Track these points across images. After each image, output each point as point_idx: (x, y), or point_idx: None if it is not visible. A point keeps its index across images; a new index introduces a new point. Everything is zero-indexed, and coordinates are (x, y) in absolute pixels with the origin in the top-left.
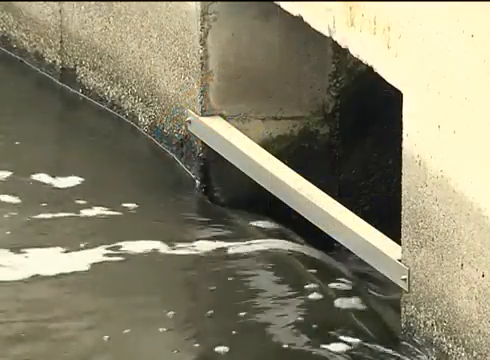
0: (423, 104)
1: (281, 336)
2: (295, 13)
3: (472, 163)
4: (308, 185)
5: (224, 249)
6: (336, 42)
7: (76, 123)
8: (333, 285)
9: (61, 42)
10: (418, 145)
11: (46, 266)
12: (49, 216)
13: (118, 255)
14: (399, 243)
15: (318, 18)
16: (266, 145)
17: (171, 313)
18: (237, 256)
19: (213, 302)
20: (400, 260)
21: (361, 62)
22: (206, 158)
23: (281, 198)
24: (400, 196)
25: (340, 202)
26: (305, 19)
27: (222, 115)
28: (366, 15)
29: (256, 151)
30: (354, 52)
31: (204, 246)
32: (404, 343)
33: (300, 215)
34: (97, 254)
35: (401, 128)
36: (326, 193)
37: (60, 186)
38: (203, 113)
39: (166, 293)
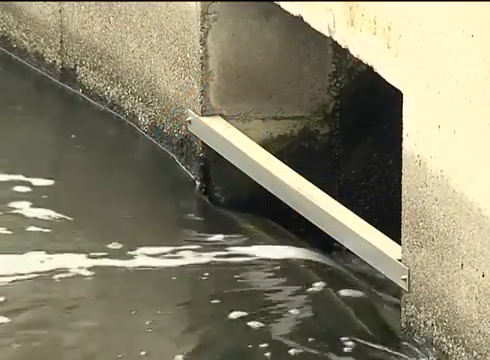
0: (423, 104)
1: (283, 337)
2: (295, 13)
3: (472, 163)
4: (308, 185)
5: (225, 253)
6: (336, 42)
7: (76, 123)
8: (334, 286)
9: (61, 42)
10: (418, 145)
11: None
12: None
13: (116, 257)
14: (399, 243)
15: (318, 18)
16: (266, 145)
17: (170, 319)
18: (239, 261)
19: (217, 309)
20: (400, 260)
21: (361, 62)
22: (206, 158)
23: (281, 198)
24: (400, 196)
25: (340, 202)
26: (305, 19)
27: (222, 115)
28: (366, 15)
29: (256, 151)
30: (354, 52)
31: (205, 248)
32: (404, 343)
33: (300, 215)
34: (94, 256)
35: (401, 128)
36: (326, 193)
37: (58, 187)
38: (203, 113)
39: (167, 299)
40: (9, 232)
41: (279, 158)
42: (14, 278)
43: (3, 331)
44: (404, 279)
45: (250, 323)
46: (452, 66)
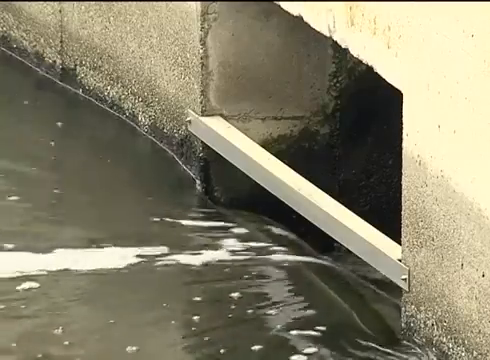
0: (423, 104)
1: (282, 337)
2: (295, 13)
3: (472, 163)
4: (308, 185)
5: (225, 253)
6: (336, 42)
7: (76, 123)
8: (334, 286)
9: (61, 42)
10: (418, 145)
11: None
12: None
13: (117, 258)
14: (399, 243)
15: (318, 18)
16: (266, 145)
17: (173, 322)
18: (239, 260)
19: (216, 311)
20: (400, 260)
21: (361, 62)
22: (206, 158)
23: (281, 198)
24: (400, 196)
25: (340, 202)
26: (305, 19)
27: (222, 115)
28: (366, 15)
29: (256, 151)
30: (354, 52)
31: (205, 248)
32: (404, 343)
33: (300, 215)
34: (94, 257)
35: (401, 128)
36: (326, 193)
37: (60, 186)
38: (203, 113)
39: (168, 300)
40: None
41: (279, 158)
42: None
43: None
44: (404, 279)
45: (249, 323)
46: (452, 66)
